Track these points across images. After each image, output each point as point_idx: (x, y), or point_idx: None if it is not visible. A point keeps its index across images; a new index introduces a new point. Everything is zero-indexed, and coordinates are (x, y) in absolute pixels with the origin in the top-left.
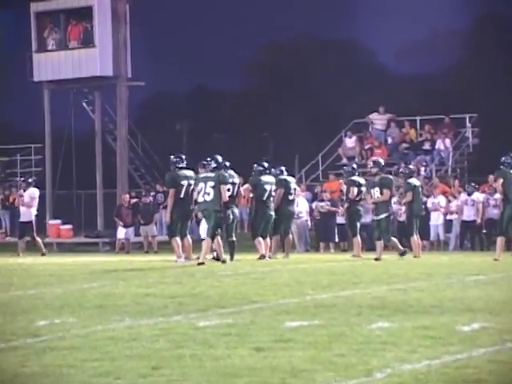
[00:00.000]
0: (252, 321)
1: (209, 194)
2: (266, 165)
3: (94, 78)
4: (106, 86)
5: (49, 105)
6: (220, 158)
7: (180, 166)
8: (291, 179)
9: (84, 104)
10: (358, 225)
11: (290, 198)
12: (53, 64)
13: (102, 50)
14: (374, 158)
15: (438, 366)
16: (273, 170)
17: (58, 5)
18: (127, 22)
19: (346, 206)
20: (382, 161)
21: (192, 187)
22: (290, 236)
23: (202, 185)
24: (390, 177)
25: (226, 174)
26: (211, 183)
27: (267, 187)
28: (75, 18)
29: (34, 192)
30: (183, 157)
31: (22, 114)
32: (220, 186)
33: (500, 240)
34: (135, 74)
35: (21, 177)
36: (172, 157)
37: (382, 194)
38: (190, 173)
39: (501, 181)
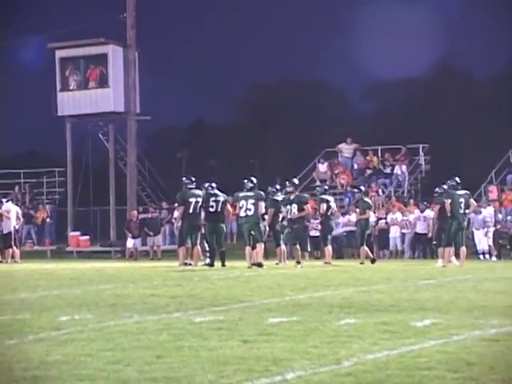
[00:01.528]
0: (240, 317)
1: (250, 210)
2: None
3: (108, 113)
4: (118, 120)
5: (70, 135)
6: (255, 180)
7: (190, 186)
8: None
9: (100, 135)
10: (330, 237)
11: (280, 215)
12: (74, 101)
13: (115, 89)
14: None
15: (396, 356)
16: (269, 188)
17: (78, 52)
18: (136, 66)
19: (319, 220)
20: (296, 181)
21: (200, 204)
22: (283, 246)
23: (243, 202)
24: (306, 195)
25: (263, 193)
26: (252, 200)
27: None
28: (93, 63)
29: (9, 206)
30: (193, 179)
31: (47, 143)
32: (258, 202)
33: (447, 250)
34: (143, 110)
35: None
36: (184, 178)
37: (300, 209)
38: (198, 192)
39: (449, 201)
